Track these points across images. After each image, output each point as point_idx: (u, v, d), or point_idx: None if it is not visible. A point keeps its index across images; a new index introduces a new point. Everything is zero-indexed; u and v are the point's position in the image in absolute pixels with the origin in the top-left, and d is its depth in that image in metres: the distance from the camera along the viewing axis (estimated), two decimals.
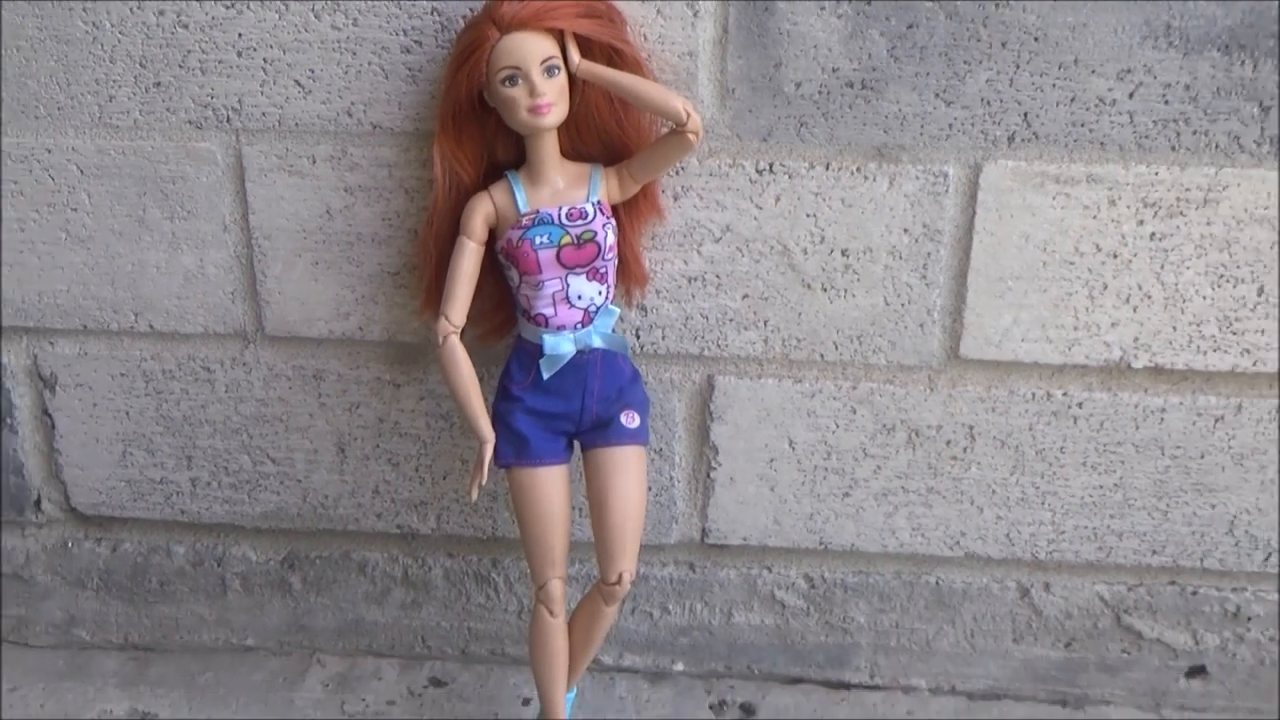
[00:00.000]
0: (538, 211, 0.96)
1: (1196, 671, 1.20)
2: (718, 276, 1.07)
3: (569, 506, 1.03)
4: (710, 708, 1.22)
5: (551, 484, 1.01)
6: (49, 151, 1.08)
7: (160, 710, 1.22)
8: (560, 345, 0.98)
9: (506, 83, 0.91)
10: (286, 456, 1.19)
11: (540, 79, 0.90)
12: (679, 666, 1.26)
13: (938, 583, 1.19)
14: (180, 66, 1.04)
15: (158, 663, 1.29)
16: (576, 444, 1.04)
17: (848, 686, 1.24)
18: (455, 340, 0.98)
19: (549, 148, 0.96)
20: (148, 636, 1.30)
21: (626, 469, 1.01)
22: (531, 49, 0.90)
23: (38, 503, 1.25)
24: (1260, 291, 1.04)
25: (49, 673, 1.27)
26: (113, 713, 1.22)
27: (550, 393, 1.00)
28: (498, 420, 1.01)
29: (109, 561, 1.27)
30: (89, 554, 1.27)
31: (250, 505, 1.22)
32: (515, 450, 1.01)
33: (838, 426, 1.12)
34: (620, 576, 1.00)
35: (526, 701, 1.22)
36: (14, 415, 1.20)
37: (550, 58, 0.91)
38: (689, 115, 0.91)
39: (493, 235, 0.99)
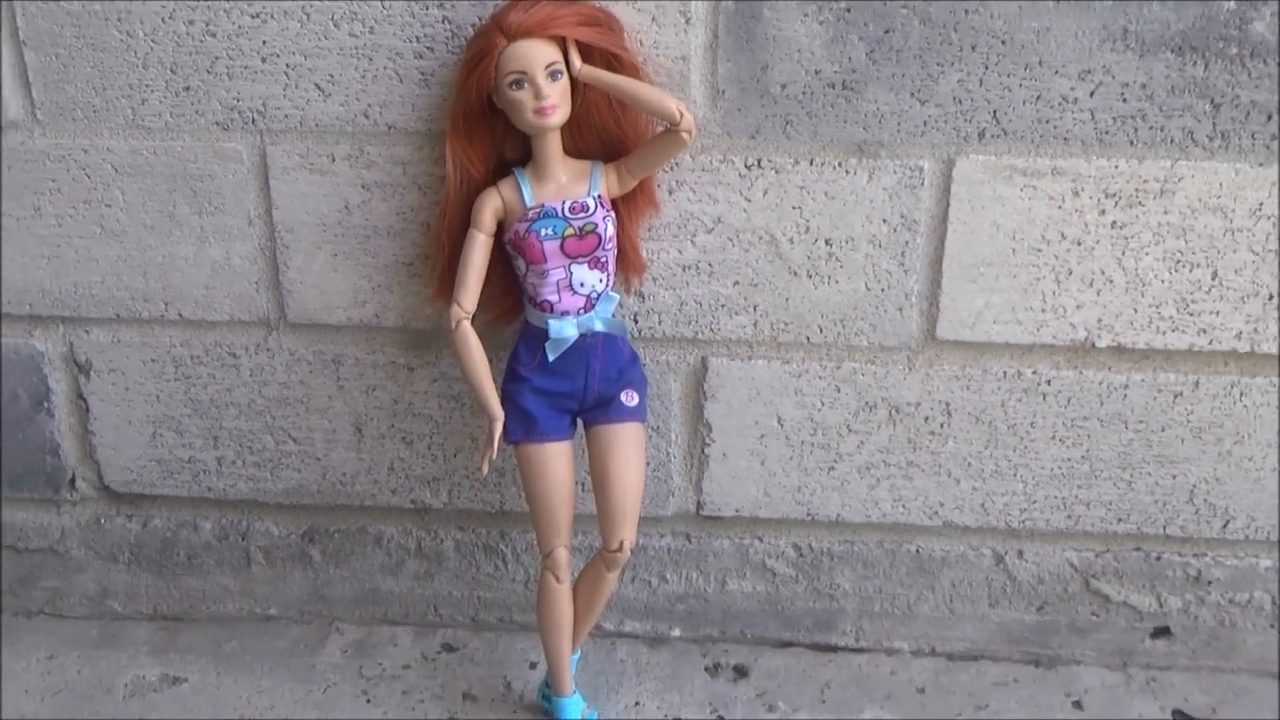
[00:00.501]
0: (543, 205, 0.99)
1: (1161, 632, 1.23)
2: (710, 265, 1.10)
3: (573, 479, 1.06)
4: (706, 670, 1.24)
5: (557, 458, 1.04)
6: (85, 152, 1.11)
7: (189, 675, 1.24)
8: (564, 329, 1.02)
9: (513, 86, 0.94)
10: (307, 436, 1.22)
11: (545, 83, 0.94)
12: (676, 632, 1.28)
13: (918, 551, 1.22)
14: (208, 72, 1.07)
15: (186, 632, 1.31)
16: (580, 421, 1.07)
17: (834, 649, 1.26)
18: (467, 325, 1.01)
19: (553, 146, 0.99)
20: (176, 607, 1.32)
21: (626, 444, 1.04)
22: (537, 55, 0.94)
23: (73, 481, 1.27)
24: (1214, 275, 1.07)
25: (84, 642, 1.30)
26: (145, 678, 1.24)
27: (555, 373, 1.03)
28: (507, 400, 1.04)
29: (140, 536, 1.30)
30: (121, 529, 1.29)
31: (273, 482, 1.25)
32: (523, 427, 1.04)
33: (823, 404, 1.15)
34: (621, 544, 1.03)
35: (533, 665, 1.25)
36: (51, 399, 1.23)
37: (554, 63, 0.94)
38: (682, 115, 0.94)
39: (501, 228, 1.02)
